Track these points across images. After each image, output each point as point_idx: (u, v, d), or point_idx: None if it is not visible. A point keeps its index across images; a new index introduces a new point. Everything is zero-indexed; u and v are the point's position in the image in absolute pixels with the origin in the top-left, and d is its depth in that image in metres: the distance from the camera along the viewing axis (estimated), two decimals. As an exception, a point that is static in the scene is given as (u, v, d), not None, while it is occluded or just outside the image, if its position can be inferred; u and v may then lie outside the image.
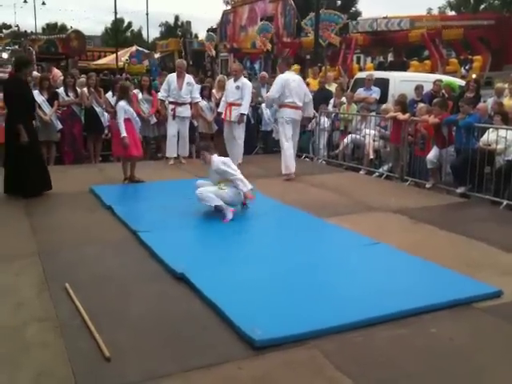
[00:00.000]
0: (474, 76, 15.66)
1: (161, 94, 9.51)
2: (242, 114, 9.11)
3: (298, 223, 5.90)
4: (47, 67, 16.17)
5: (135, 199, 6.86)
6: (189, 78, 9.46)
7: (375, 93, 10.71)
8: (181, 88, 9.20)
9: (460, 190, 7.34)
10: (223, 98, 9.45)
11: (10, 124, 6.78)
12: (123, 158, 7.77)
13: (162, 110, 9.75)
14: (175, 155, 9.45)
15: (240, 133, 9.28)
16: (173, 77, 9.38)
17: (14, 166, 6.77)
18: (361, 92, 10.88)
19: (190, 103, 9.43)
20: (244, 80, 9.38)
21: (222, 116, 9.35)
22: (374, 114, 9.90)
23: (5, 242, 5.11)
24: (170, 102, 9.33)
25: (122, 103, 7.40)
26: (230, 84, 9.30)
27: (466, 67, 20.78)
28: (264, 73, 13.87)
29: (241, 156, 9.32)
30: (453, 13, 40.91)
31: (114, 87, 10.40)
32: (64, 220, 5.87)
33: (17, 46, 24.53)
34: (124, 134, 7.30)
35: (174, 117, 9.27)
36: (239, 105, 9.08)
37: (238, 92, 9.09)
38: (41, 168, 6.98)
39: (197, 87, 9.64)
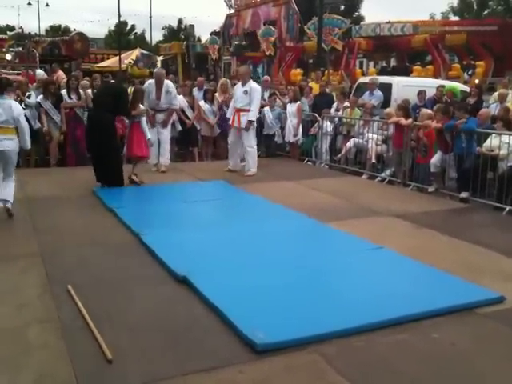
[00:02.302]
0: (476, 81, 15.68)
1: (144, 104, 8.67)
2: (250, 121, 8.74)
3: (299, 227, 5.90)
4: (52, 68, 16.20)
5: (137, 202, 6.87)
6: (166, 86, 8.80)
7: (375, 98, 10.67)
8: (159, 98, 8.70)
9: (463, 194, 7.34)
10: (232, 104, 9.08)
11: (107, 121, 7.35)
12: (136, 159, 7.98)
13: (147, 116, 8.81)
14: (155, 162, 8.86)
15: (250, 140, 8.87)
16: (152, 85, 8.82)
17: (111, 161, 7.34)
18: (366, 96, 10.88)
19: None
20: (253, 84, 8.91)
21: (230, 122, 9.00)
22: (377, 118, 9.90)
23: (8, 243, 5.11)
24: (152, 109, 8.72)
25: (142, 107, 8.00)
26: (239, 88, 8.91)
27: (469, 72, 20.80)
28: (267, 77, 13.88)
29: (255, 164, 8.90)
30: (456, 18, 40.97)
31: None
32: (67, 222, 5.87)
33: (20, 48, 24.62)
34: (149, 136, 8.02)
35: (152, 124, 8.66)
36: (248, 110, 8.70)
37: (246, 97, 8.71)
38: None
39: (175, 94, 8.98)
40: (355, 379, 2.92)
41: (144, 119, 8.04)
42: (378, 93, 10.76)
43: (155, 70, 10.11)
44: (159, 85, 8.78)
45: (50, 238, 5.28)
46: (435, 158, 7.84)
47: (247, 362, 3.06)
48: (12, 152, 5.92)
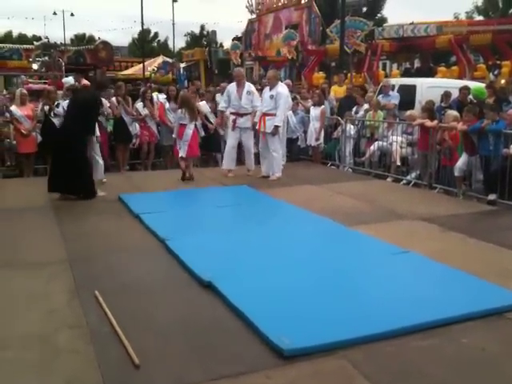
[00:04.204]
0: (502, 82, 15.41)
1: (221, 105, 9.29)
2: (277, 126, 8.65)
3: (324, 231, 5.87)
4: (75, 78, 16.41)
5: (163, 207, 6.91)
6: (249, 86, 9.04)
7: (393, 98, 10.58)
8: (241, 97, 8.84)
9: (491, 197, 7.22)
10: (259, 108, 8.93)
11: (75, 132, 7.15)
12: (188, 158, 8.57)
13: (221, 121, 9.68)
14: (232, 167, 9.06)
15: (276, 145, 8.78)
16: (232, 87, 9.02)
17: (64, 168, 7.12)
18: (380, 99, 10.80)
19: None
20: (280, 89, 8.78)
21: (257, 127, 8.93)
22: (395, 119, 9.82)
23: (36, 250, 5.20)
24: (231, 113, 9.02)
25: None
26: (266, 92, 8.88)
27: (495, 73, 20.44)
28: (288, 81, 13.87)
29: (279, 169, 8.85)
30: (480, 18, 40.38)
31: (145, 96, 10.62)
32: (93, 228, 5.95)
33: (46, 58, 25.10)
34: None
35: (233, 128, 8.95)
36: (273, 115, 8.62)
37: (272, 101, 8.64)
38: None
39: (257, 96, 9.01)
40: (383, 385, 2.88)
41: (199, 123, 8.92)
42: (395, 93, 10.68)
43: (235, 69, 10.31)
44: (240, 84, 8.92)
45: (78, 244, 5.35)
46: (461, 162, 7.72)
47: (274, 368, 3.04)
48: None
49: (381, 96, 10.89)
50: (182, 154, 8.46)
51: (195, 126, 8.67)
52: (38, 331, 3.48)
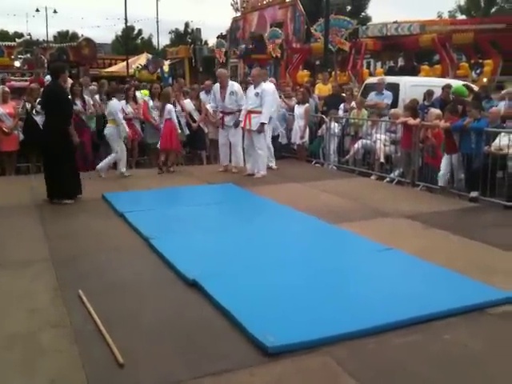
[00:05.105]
0: (484, 80, 15.61)
1: (210, 105, 9.45)
2: (262, 124, 8.64)
3: (308, 229, 5.89)
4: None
5: (147, 206, 6.88)
6: (232, 85, 9.05)
7: (387, 98, 10.58)
8: (224, 99, 8.93)
9: (473, 194, 7.29)
10: (244, 106, 8.91)
11: (53, 129, 6.94)
12: (168, 151, 9.08)
13: (204, 117, 10.01)
14: (226, 163, 9.26)
15: (261, 142, 8.77)
16: (216, 87, 9.17)
17: (53, 171, 6.96)
18: (372, 97, 10.79)
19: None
20: (264, 86, 8.81)
21: (241, 125, 8.89)
22: (384, 118, 9.85)
23: (19, 249, 5.15)
24: (220, 111, 9.15)
25: (169, 106, 9.05)
26: (251, 90, 8.88)
27: (477, 71, 20.68)
28: (272, 79, 13.88)
29: (264, 167, 8.89)
30: (463, 17, 40.79)
31: (127, 94, 10.52)
32: (77, 227, 5.91)
33: (29, 55, 24.84)
34: (179, 130, 9.30)
35: (222, 126, 9.10)
36: (258, 112, 8.61)
37: (257, 99, 8.64)
38: (75, 173, 7.23)
39: (242, 95, 8.98)
40: (367, 381, 2.91)
41: (174, 116, 9.04)
42: (388, 92, 10.66)
43: (217, 70, 10.37)
44: (222, 85, 9.01)
45: (61, 243, 5.31)
46: (443, 169, 7.67)
47: (258, 365, 3.05)
48: (108, 135, 8.62)
49: (374, 93, 10.87)
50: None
51: (168, 120, 8.92)
52: (22, 331, 3.45)
